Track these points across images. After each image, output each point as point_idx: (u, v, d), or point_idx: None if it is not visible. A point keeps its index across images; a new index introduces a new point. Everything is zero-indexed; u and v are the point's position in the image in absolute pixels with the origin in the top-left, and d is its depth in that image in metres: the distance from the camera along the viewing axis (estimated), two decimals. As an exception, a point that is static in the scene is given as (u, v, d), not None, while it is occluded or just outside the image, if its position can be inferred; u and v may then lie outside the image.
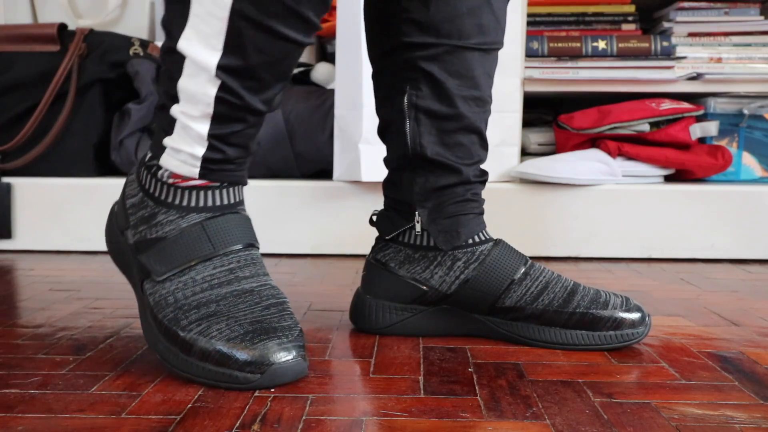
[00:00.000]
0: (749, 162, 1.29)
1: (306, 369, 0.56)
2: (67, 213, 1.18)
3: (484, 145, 0.70)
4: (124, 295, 0.87)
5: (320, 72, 1.37)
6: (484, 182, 0.72)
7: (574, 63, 1.24)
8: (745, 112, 1.25)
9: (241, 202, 0.63)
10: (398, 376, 0.58)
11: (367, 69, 1.10)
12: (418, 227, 0.70)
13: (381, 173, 1.12)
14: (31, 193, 1.19)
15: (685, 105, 1.21)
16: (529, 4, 1.29)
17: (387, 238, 0.72)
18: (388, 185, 0.74)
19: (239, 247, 0.60)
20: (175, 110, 0.59)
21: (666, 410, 0.51)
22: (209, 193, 0.60)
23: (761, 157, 1.28)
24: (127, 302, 0.83)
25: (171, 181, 0.60)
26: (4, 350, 0.64)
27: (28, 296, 0.87)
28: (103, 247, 1.18)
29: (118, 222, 0.64)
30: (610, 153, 1.18)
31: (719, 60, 1.29)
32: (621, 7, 1.34)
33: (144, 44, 1.31)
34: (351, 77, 1.13)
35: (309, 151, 1.24)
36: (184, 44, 0.56)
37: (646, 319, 0.67)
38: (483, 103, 0.69)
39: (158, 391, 0.54)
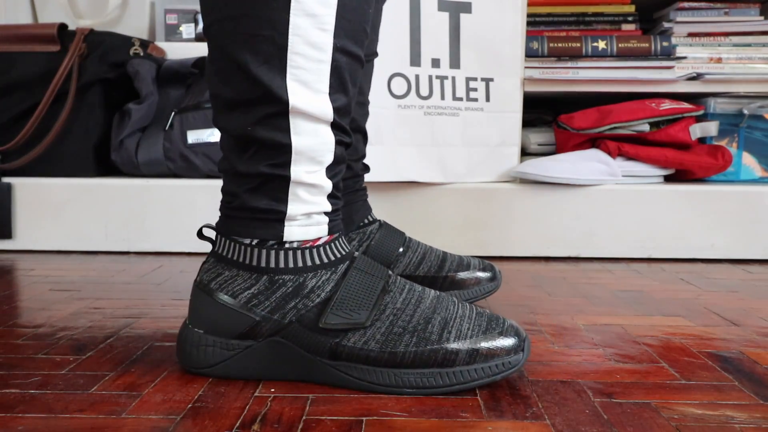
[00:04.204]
0: (749, 162, 1.29)
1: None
2: (67, 213, 1.18)
3: (365, 141, 0.83)
4: (124, 295, 0.87)
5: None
6: (365, 173, 0.85)
7: (574, 63, 1.24)
8: (745, 112, 1.25)
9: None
10: (398, 376, 0.58)
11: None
12: None
13: (381, 173, 1.13)
14: (31, 193, 1.19)
15: (685, 105, 1.21)
16: (529, 4, 1.29)
17: None
18: None
19: (389, 272, 0.60)
20: (298, 175, 0.55)
21: (666, 410, 0.51)
22: (337, 243, 0.58)
23: (761, 157, 1.28)
24: (127, 302, 0.83)
25: (304, 246, 0.57)
26: (4, 350, 0.64)
27: (28, 296, 0.87)
28: (103, 247, 1.19)
29: (223, 330, 0.57)
30: (610, 153, 1.18)
31: (719, 60, 1.29)
32: (621, 7, 1.34)
33: (144, 44, 1.31)
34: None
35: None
36: (296, 101, 0.53)
37: (496, 271, 0.82)
38: (365, 105, 0.83)
39: (158, 391, 0.54)
